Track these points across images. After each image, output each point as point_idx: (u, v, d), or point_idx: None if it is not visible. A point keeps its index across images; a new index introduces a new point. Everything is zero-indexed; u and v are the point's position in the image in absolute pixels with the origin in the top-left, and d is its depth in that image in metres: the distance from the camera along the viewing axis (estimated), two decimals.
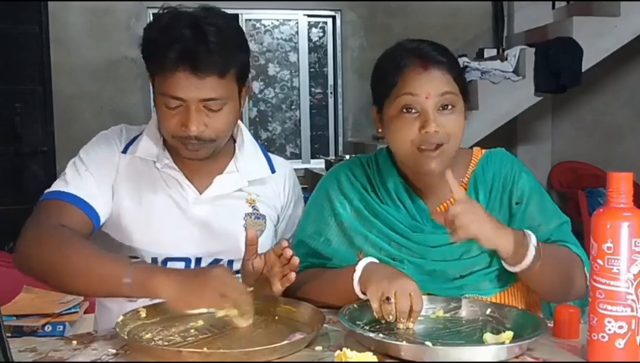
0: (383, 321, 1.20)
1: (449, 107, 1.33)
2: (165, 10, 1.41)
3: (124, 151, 1.51)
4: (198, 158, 1.45)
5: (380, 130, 1.43)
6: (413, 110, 1.33)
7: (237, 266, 1.49)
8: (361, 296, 1.26)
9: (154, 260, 1.48)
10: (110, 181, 1.48)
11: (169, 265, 1.48)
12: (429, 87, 1.32)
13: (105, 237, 1.52)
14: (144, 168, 1.51)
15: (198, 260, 1.50)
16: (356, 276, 1.26)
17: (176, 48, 1.33)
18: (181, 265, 1.48)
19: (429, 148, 1.32)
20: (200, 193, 1.51)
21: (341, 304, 1.25)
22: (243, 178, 1.55)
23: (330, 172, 1.55)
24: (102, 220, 1.46)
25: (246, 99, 1.51)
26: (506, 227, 1.29)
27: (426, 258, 1.38)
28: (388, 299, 1.17)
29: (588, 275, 1.32)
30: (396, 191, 1.44)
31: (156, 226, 1.48)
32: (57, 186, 1.44)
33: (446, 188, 1.43)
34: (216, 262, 1.51)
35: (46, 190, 1.45)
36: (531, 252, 1.25)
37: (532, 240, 1.26)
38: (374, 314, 1.20)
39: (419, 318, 1.21)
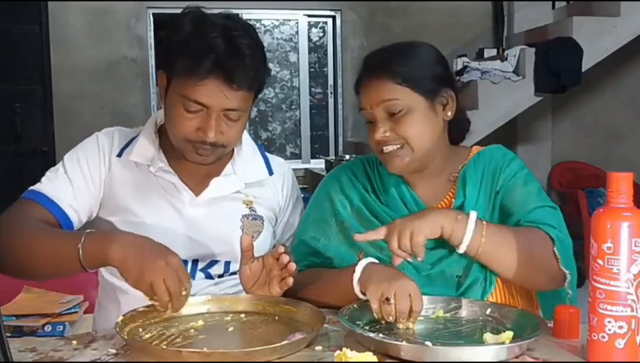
0: (383, 322, 1.20)
1: (400, 111, 1.36)
2: (187, 11, 1.40)
3: (119, 155, 1.50)
4: (205, 163, 1.44)
5: None
6: (370, 120, 1.41)
7: (234, 267, 1.50)
8: (361, 296, 1.26)
9: None
10: (93, 186, 1.48)
11: None
12: (371, 98, 1.39)
13: None
14: (140, 171, 1.50)
15: (195, 262, 1.49)
16: (356, 276, 1.26)
17: (211, 57, 1.33)
18: None
19: (387, 151, 1.38)
20: (197, 196, 1.50)
21: (341, 304, 1.25)
22: (240, 180, 1.54)
23: (331, 172, 1.56)
24: (75, 223, 1.45)
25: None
26: (439, 208, 1.39)
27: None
28: (388, 299, 1.17)
29: (560, 257, 1.31)
30: (396, 191, 1.45)
31: (152, 229, 1.45)
32: (34, 186, 1.46)
33: (441, 184, 1.44)
34: (213, 263, 1.50)
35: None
36: (470, 227, 1.26)
37: (472, 216, 1.28)
38: (374, 314, 1.20)
39: (419, 318, 1.21)
